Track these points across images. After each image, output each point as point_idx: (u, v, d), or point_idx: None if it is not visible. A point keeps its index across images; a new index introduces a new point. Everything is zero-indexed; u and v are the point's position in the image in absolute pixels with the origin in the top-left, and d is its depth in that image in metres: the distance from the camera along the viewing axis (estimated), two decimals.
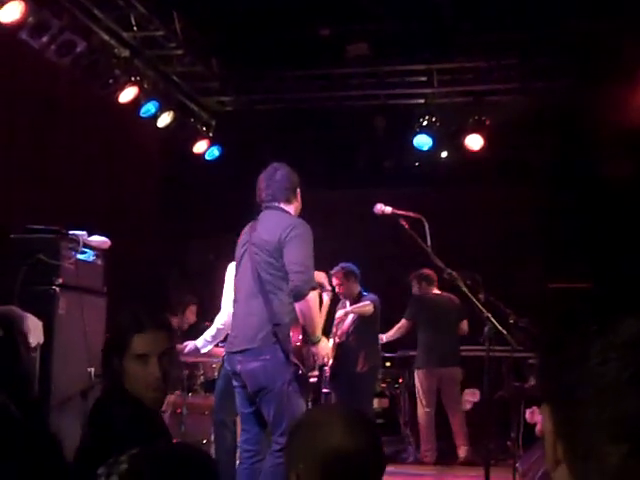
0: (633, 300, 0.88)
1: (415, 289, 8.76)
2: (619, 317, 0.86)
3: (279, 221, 4.83)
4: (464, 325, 8.60)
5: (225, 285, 6.04)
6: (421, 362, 8.67)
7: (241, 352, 4.73)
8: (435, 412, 8.63)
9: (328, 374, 7.68)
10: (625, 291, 0.89)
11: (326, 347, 4.82)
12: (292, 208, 4.96)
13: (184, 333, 8.29)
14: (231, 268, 6.06)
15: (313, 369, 4.92)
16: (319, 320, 4.71)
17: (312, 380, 4.84)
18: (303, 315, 4.60)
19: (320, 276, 5.35)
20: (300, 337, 4.61)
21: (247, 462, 4.79)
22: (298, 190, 5.02)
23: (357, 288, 7.84)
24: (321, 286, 5.26)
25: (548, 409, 0.91)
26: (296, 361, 4.59)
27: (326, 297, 5.93)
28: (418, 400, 8.67)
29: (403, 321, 8.65)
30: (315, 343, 4.69)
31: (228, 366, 5.04)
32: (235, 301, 5.01)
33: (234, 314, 4.96)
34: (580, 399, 0.85)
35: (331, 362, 7.16)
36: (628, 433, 0.82)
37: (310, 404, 4.87)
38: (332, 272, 7.48)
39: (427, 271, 8.44)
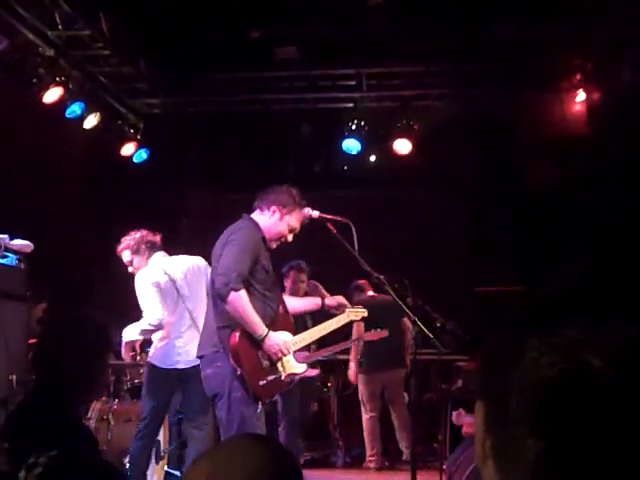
0: (568, 301, 0.90)
1: (355, 299, 8.52)
2: (556, 318, 0.87)
3: (229, 229, 4.85)
4: (407, 323, 8.20)
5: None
6: (363, 366, 8.33)
7: (200, 357, 4.88)
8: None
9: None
10: (560, 293, 0.91)
11: (274, 343, 4.67)
12: (262, 218, 4.91)
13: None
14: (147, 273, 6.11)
15: (271, 370, 4.71)
16: (252, 319, 4.57)
17: (261, 383, 4.69)
18: (235, 317, 4.58)
19: None
20: (237, 340, 4.56)
21: None
22: (285, 207, 4.89)
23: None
24: None
25: (481, 405, 0.91)
26: (235, 365, 4.56)
27: None
28: (362, 405, 8.43)
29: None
30: (260, 342, 4.63)
31: None
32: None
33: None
34: (509, 394, 0.86)
35: None
36: (547, 430, 0.83)
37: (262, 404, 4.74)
38: (284, 271, 7.37)
39: (358, 282, 8.32)
